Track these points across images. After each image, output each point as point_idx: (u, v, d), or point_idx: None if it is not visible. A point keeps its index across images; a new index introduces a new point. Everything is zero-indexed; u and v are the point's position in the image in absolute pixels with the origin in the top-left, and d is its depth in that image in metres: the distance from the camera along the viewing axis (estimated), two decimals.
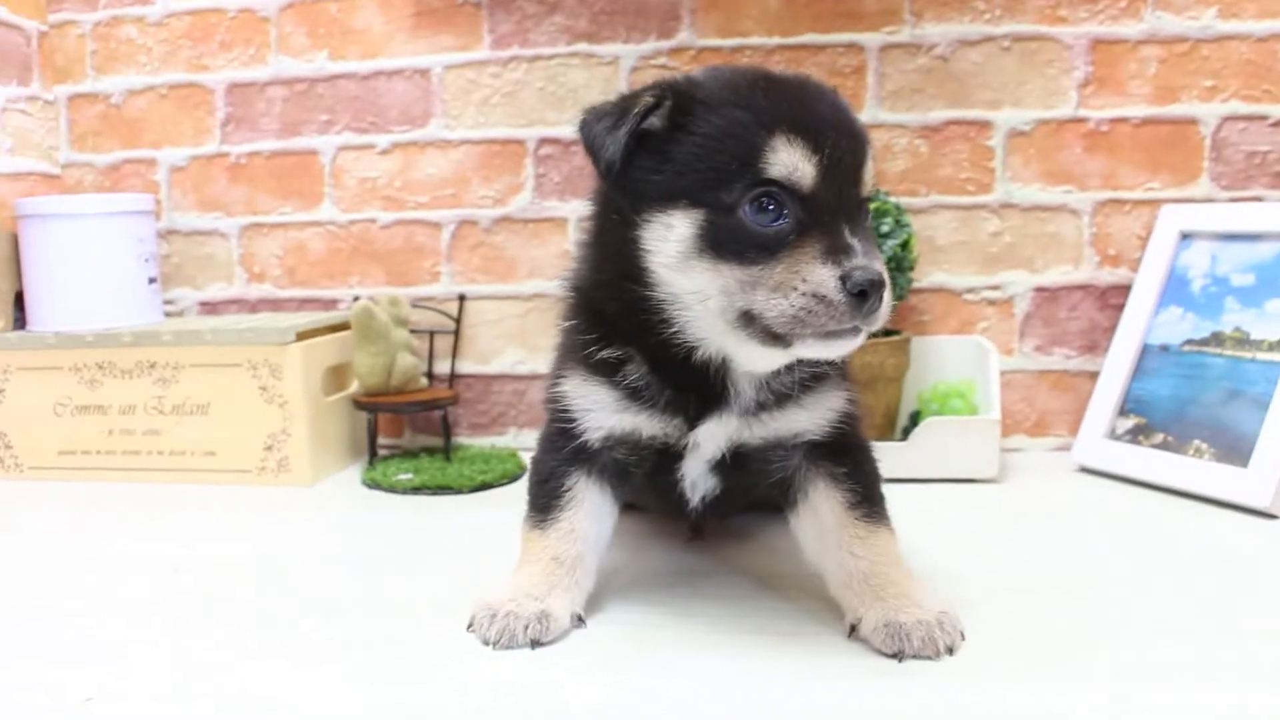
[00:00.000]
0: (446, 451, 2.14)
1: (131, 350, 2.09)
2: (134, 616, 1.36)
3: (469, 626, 1.25)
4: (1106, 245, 2.14)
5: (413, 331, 2.23)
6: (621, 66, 2.23)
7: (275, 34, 2.35)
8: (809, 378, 1.28)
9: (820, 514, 1.30)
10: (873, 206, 1.89)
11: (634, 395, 1.28)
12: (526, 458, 1.58)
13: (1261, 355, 1.83)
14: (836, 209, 1.13)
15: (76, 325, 2.14)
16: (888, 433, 2.07)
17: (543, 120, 2.27)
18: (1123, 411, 2.00)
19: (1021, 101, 2.14)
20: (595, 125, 1.21)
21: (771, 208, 1.13)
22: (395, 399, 2.11)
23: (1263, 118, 2.08)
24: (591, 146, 1.21)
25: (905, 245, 1.98)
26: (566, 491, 1.31)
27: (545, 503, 1.32)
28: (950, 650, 1.17)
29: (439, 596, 1.39)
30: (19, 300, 2.25)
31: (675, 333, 1.22)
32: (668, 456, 1.31)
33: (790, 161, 1.12)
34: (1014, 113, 2.14)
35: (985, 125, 2.15)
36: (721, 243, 1.14)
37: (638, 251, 1.20)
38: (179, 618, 1.35)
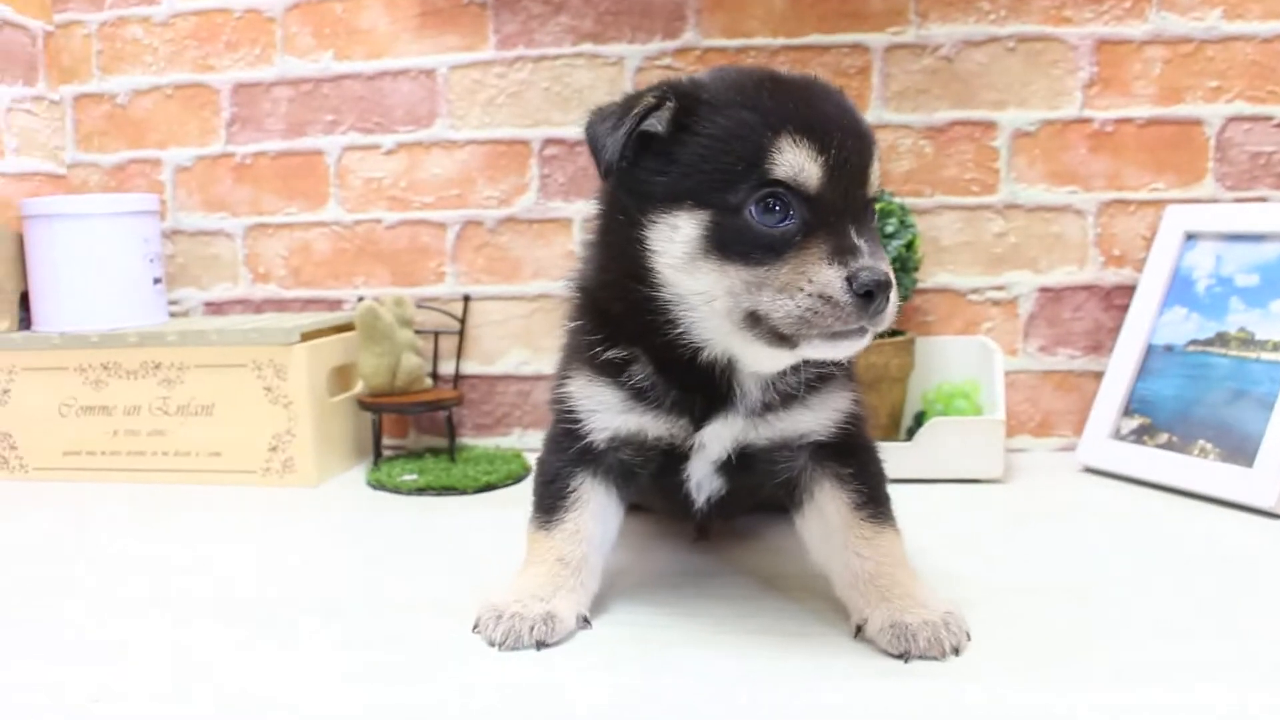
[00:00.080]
0: (451, 452, 2.14)
1: (136, 351, 2.09)
2: (137, 616, 1.36)
3: (474, 627, 1.25)
4: (1111, 246, 2.14)
5: (417, 332, 2.23)
6: (626, 67, 2.23)
7: (281, 34, 2.35)
8: (814, 378, 1.28)
9: (826, 515, 1.30)
10: (877, 207, 1.88)
11: (640, 396, 1.28)
12: (531, 458, 1.58)
13: (1266, 355, 1.83)
14: (842, 210, 1.13)
15: (81, 326, 2.14)
16: (892, 433, 2.07)
17: (548, 120, 2.27)
18: (1127, 412, 2.00)
19: (1026, 102, 2.13)
20: (599, 126, 1.21)
21: (777, 208, 1.13)
22: (400, 400, 2.12)
23: (1267, 118, 2.07)
24: (594, 147, 1.21)
25: (910, 246, 1.98)
26: (572, 492, 1.31)
27: (550, 504, 1.32)
28: (956, 651, 1.17)
29: (443, 597, 1.39)
30: (24, 300, 2.25)
31: (681, 333, 1.22)
32: (673, 457, 1.31)
33: (796, 162, 1.12)
34: (1019, 113, 2.14)
35: (990, 126, 2.15)
36: (727, 243, 1.14)
37: (643, 252, 1.20)
38: (182, 618, 1.35)
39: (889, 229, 1.96)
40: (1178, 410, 1.92)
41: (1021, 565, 1.50)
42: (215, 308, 2.46)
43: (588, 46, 2.24)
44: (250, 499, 1.96)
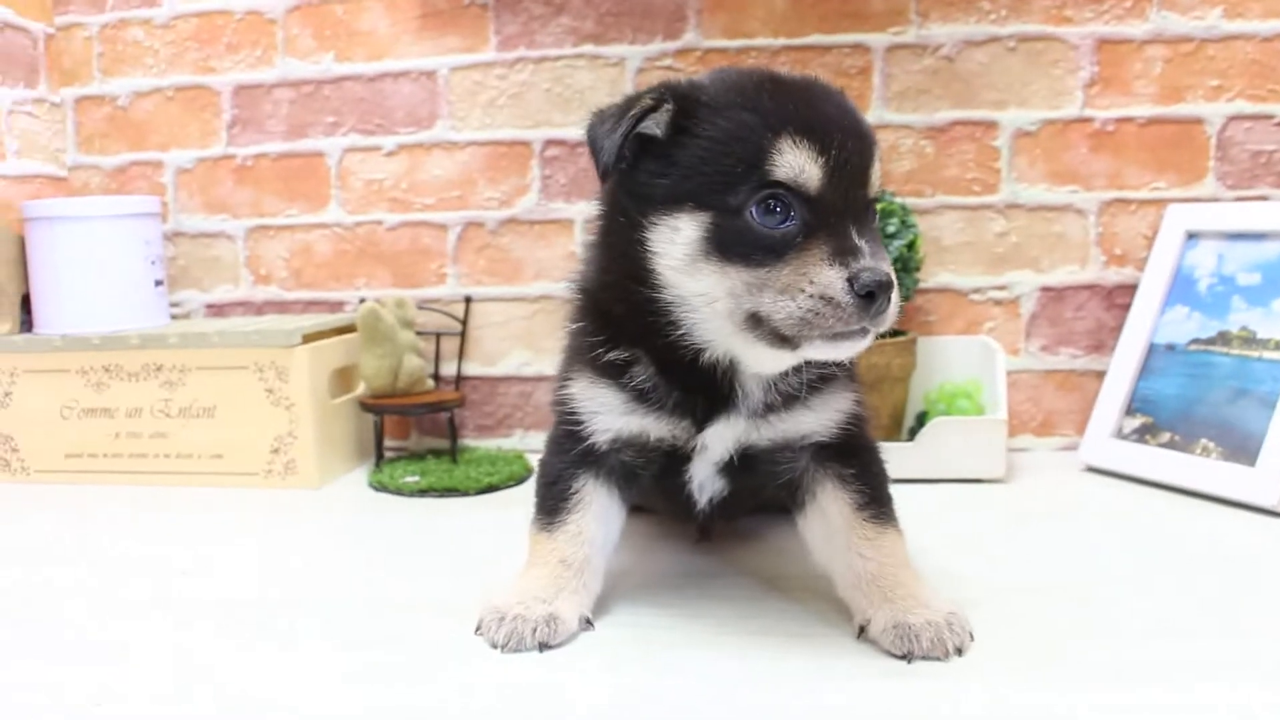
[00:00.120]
0: (453, 454, 2.14)
1: (138, 353, 2.09)
2: (139, 618, 1.36)
3: (477, 629, 1.25)
4: (1112, 245, 2.14)
5: (419, 333, 2.23)
6: (627, 68, 2.23)
7: (282, 36, 2.35)
8: (816, 379, 1.28)
9: (828, 515, 1.30)
10: (879, 207, 1.88)
11: (642, 397, 1.28)
12: (533, 459, 1.58)
13: (1268, 354, 1.83)
14: (843, 210, 1.13)
15: (83, 328, 2.14)
16: (894, 433, 2.07)
17: (549, 122, 2.27)
18: (1129, 411, 2.00)
19: (1027, 102, 2.13)
20: (598, 128, 1.21)
21: (778, 210, 1.12)
22: (401, 401, 2.12)
23: (1268, 117, 2.07)
24: (592, 149, 1.21)
25: (911, 246, 1.98)
26: (574, 494, 1.31)
27: (553, 505, 1.32)
28: (959, 651, 1.17)
29: (445, 598, 1.39)
30: (25, 303, 2.25)
31: (683, 335, 1.22)
32: (675, 458, 1.31)
33: (796, 163, 1.12)
34: (1020, 113, 2.14)
35: (991, 125, 2.15)
36: (728, 245, 1.14)
37: (645, 254, 1.20)
38: (183, 620, 1.35)
39: (890, 229, 1.96)
40: (1180, 409, 1.92)
41: (1024, 565, 1.50)
42: (217, 310, 2.46)
43: (589, 47, 2.24)
44: (252, 501, 1.96)
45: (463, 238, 2.32)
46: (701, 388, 1.27)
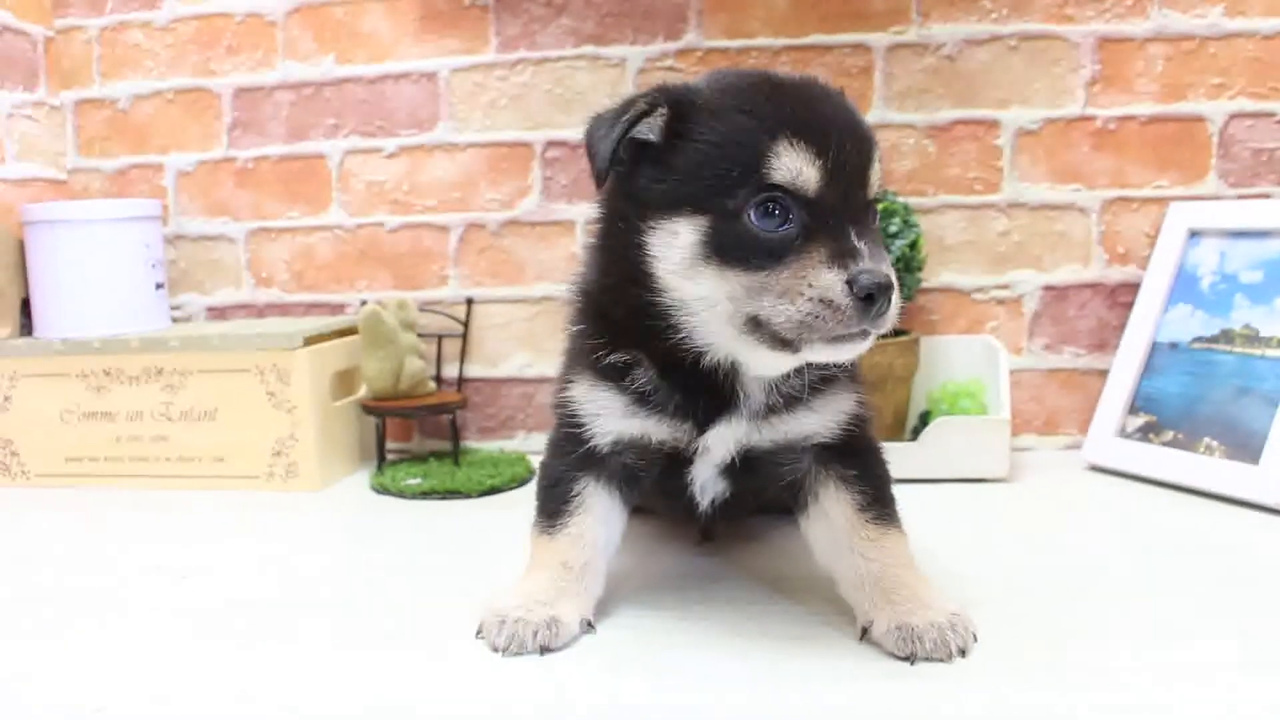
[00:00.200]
0: (455, 456, 2.14)
1: (139, 356, 2.09)
2: (139, 620, 1.36)
3: (478, 633, 1.25)
4: (1115, 243, 2.14)
5: (421, 335, 2.23)
6: (628, 68, 2.22)
7: (282, 38, 2.35)
8: (818, 380, 1.28)
9: (831, 516, 1.29)
10: (880, 207, 1.88)
11: (643, 400, 1.27)
12: (535, 461, 1.58)
13: (1271, 352, 1.82)
14: (842, 212, 1.13)
15: (83, 331, 2.14)
16: (897, 433, 2.07)
17: (550, 123, 2.26)
18: (1132, 409, 1.99)
19: (1029, 100, 2.13)
20: (595, 133, 1.21)
21: (776, 213, 1.12)
22: (403, 403, 2.11)
23: (1269, 115, 2.07)
24: (589, 153, 1.21)
25: (913, 245, 1.97)
26: (575, 496, 1.31)
27: (554, 508, 1.32)
28: (963, 652, 1.16)
29: (447, 601, 1.39)
30: (25, 306, 2.25)
31: (683, 337, 1.22)
32: (677, 461, 1.31)
33: (794, 166, 1.11)
34: (1021, 112, 2.13)
35: (993, 124, 2.14)
36: (727, 249, 1.13)
37: (644, 258, 1.19)
38: (184, 621, 1.35)
39: (892, 229, 1.96)
40: (1183, 408, 1.91)
41: (1027, 564, 1.50)
42: (218, 312, 2.46)
43: (589, 48, 2.23)
44: (253, 504, 1.96)
45: (464, 239, 2.32)
46: (703, 390, 1.26)
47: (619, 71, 2.23)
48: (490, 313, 2.33)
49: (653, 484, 1.36)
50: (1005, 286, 2.17)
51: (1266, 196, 2.07)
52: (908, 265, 1.96)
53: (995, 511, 1.78)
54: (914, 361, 2.06)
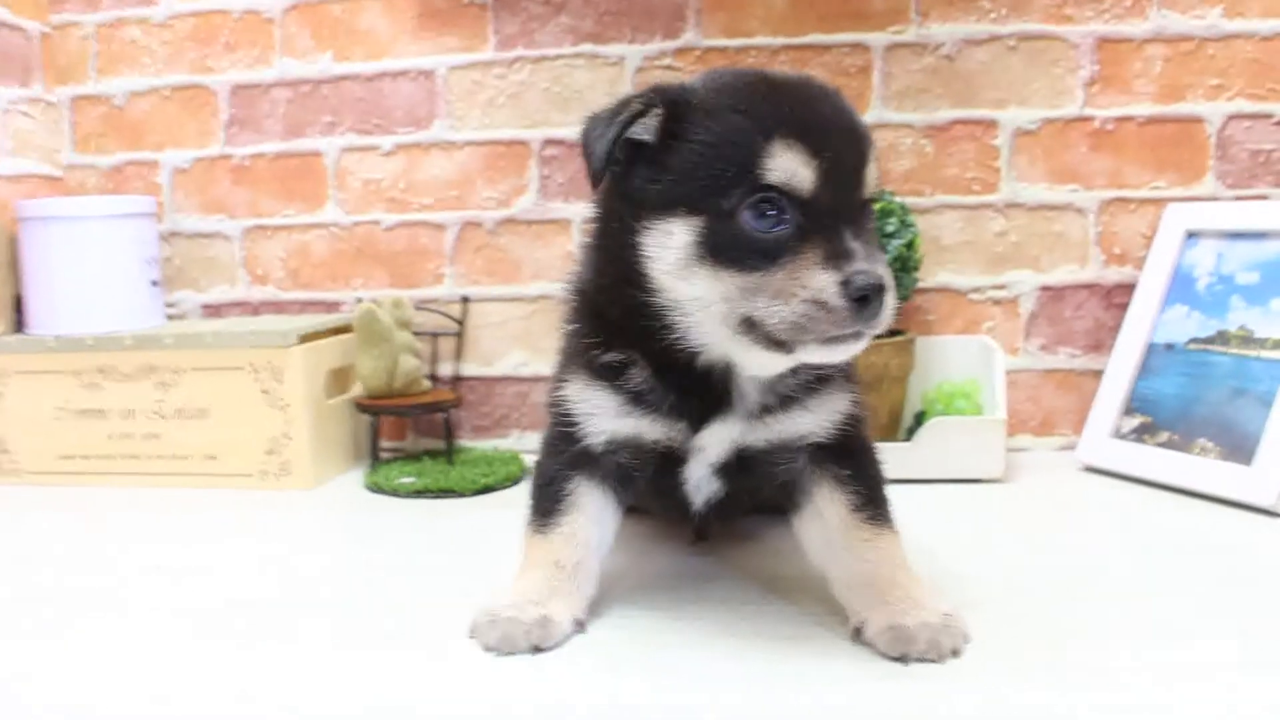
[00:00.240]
0: (449, 454, 2.13)
1: (132, 354, 2.08)
2: (135, 619, 1.36)
3: (470, 632, 1.24)
4: (1112, 244, 2.13)
5: (416, 334, 2.23)
6: (627, 67, 2.22)
7: (279, 35, 2.35)
8: (813, 380, 1.28)
9: (824, 516, 1.29)
10: (877, 206, 1.88)
11: (637, 399, 1.27)
12: (529, 460, 1.58)
13: (1266, 354, 1.82)
14: (838, 212, 1.12)
15: (77, 329, 2.13)
16: (892, 433, 2.06)
17: (547, 121, 2.26)
18: (1128, 410, 1.99)
19: (1027, 101, 2.13)
20: (591, 131, 1.21)
21: (771, 213, 1.12)
22: (398, 402, 2.11)
23: (1268, 116, 2.07)
24: (584, 152, 1.21)
25: (910, 245, 1.97)
26: (568, 496, 1.31)
27: (547, 507, 1.32)
28: (955, 653, 1.16)
29: (440, 600, 1.38)
30: (18, 303, 2.25)
31: (678, 337, 1.21)
32: (671, 460, 1.30)
33: (789, 166, 1.11)
34: (1020, 112, 2.13)
35: (991, 124, 2.14)
36: (721, 250, 1.13)
37: (639, 258, 1.19)
38: (179, 620, 1.35)
39: (889, 228, 1.96)
40: (1178, 409, 1.91)
41: (1022, 565, 1.49)
42: (213, 310, 2.46)
43: (588, 47, 2.23)
44: (247, 502, 1.96)
45: (460, 238, 2.32)
46: (697, 390, 1.26)
47: (617, 70, 2.22)
48: (486, 311, 2.32)
49: (647, 484, 1.35)
50: (1002, 287, 2.17)
51: (1264, 198, 2.07)
52: (904, 265, 1.96)
53: (990, 512, 1.77)
54: (909, 361, 2.06)
